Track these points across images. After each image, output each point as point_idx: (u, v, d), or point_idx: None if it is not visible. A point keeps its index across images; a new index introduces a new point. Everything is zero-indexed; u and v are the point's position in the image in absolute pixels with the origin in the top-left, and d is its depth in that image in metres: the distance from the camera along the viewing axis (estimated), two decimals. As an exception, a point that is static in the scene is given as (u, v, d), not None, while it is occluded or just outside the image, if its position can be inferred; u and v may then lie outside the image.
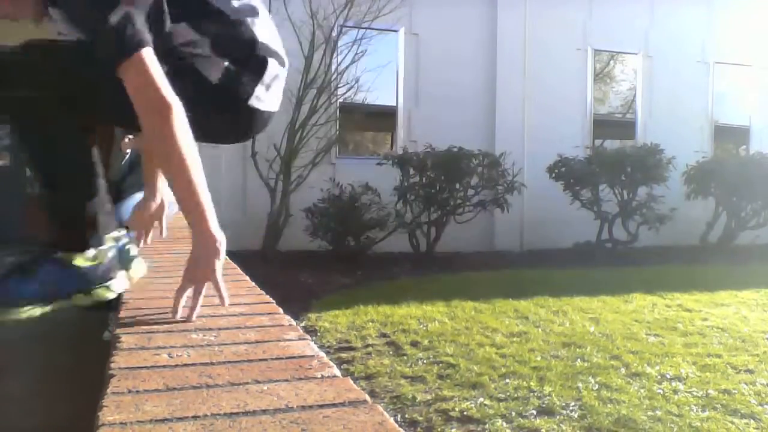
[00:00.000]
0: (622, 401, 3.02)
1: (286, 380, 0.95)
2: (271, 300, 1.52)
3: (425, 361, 3.61)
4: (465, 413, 2.86)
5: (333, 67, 7.29)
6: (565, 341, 4.05)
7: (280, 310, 1.41)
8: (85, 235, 1.38)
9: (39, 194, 1.47)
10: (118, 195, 3.95)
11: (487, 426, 2.74)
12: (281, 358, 1.06)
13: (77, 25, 1.28)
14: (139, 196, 3.98)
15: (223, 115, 1.48)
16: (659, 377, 3.39)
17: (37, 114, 1.31)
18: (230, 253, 2.44)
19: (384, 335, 4.16)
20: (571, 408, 2.94)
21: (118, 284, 1.44)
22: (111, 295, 1.45)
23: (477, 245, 8.30)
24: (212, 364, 1.02)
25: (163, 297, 1.56)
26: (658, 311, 5.03)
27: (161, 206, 2.26)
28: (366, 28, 7.22)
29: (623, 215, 8.13)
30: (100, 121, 1.63)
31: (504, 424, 2.76)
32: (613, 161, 8.00)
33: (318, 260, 6.96)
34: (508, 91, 8.80)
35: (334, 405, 0.86)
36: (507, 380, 3.29)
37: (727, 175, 8.40)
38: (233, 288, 1.68)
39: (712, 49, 9.77)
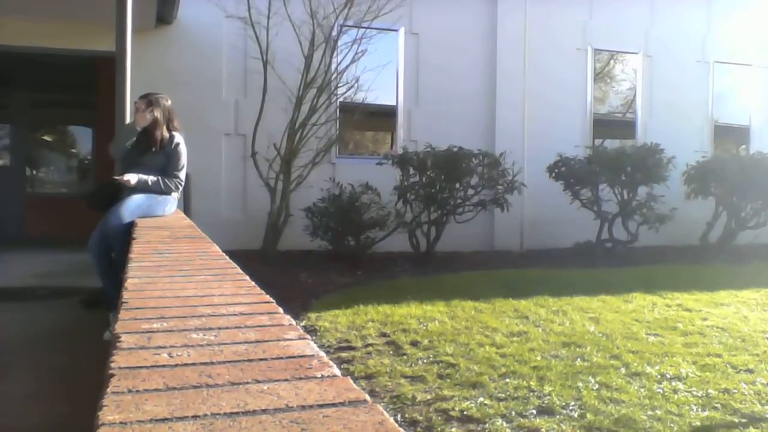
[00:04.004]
0: (622, 401, 3.02)
1: (286, 380, 0.95)
2: (271, 300, 1.52)
3: (425, 361, 3.61)
4: (465, 413, 2.86)
5: (333, 67, 7.28)
6: (565, 341, 4.06)
7: (280, 310, 1.41)
8: None
9: None
10: (118, 196, 3.96)
11: (487, 426, 2.74)
12: (281, 358, 1.06)
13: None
14: (137, 197, 4.01)
15: None
16: (659, 377, 3.39)
17: None
18: (230, 253, 2.44)
19: (384, 335, 4.16)
20: (571, 408, 2.94)
21: None
22: None
23: (477, 245, 8.29)
24: (212, 363, 1.02)
25: (163, 297, 1.56)
26: (658, 311, 5.03)
27: None
28: (366, 28, 7.21)
29: (623, 215, 8.13)
30: None
31: (504, 423, 2.76)
32: (613, 161, 7.99)
33: (318, 260, 6.96)
34: (508, 90, 8.79)
35: (334, 405, 0.86)
36: (507, 380, 3.29)
37: (727, 174, 8.39)
38: (233, 288, 1.68)
39: (712, 48, 9.77)
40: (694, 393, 3.17)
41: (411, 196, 7.30)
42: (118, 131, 4.40)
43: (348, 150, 8.86)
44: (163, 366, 1.01)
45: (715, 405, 3.02)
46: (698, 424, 2.80)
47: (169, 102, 4.22)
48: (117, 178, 3.99)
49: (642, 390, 3.18)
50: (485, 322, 4.53)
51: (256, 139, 6.93)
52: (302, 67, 6.94)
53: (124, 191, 4.02)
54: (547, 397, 3.05)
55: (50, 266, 6.55)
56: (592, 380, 3.30)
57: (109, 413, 0.81)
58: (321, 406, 0.85)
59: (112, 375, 0.96)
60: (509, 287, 5.73)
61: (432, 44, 8.52)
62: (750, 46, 9.86)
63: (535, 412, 2.89)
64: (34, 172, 9.98)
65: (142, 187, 3.96)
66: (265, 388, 0.92)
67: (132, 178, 3.93)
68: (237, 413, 0.82)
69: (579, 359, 3.67)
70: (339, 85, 7.42)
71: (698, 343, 4.09)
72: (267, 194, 6.97)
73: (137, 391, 0.90)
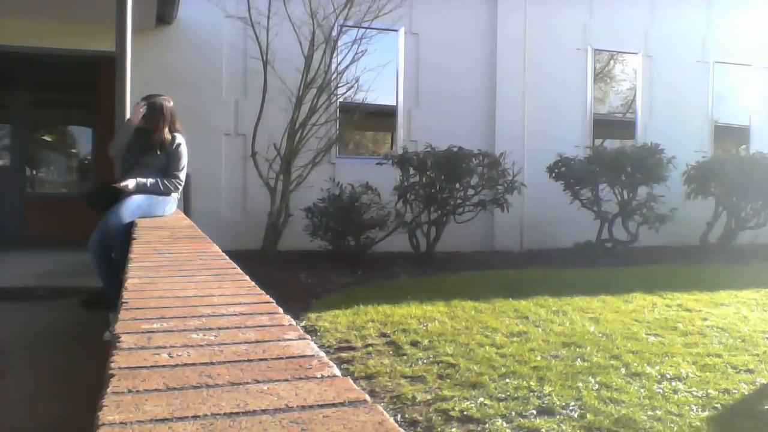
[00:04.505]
0: (622, 401, 3.02)
1: (286, 380, 0.95)
2: (271, 300, 1.52)
3: (425, 361, 3.61)
4: (465, 413, 2.86)
5: (333, 67, 7.28)
6: (565, 341, 4.05)
7: (280, 310, 1.41)
8: None
9: None
10: (118, 196, 3.96)
11: (487, 426, 2.74)
12: (281, 358, 1.06)
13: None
14: (137, 198, 4.01)
15: None
16: (659, 377, 3.39)
17: None
18: (230, 253, 2.44)
19: (384, 335, 4.16)
20: (571, 408, 2.94)
21: None
22: None
23: (477, 245, 8.29)
24: (212, 364, 1.02)
25: (163, 297, 1.56)
26: (658, 311, 5.03)
27: None
28: (366, 28, 7.21)
29: (623, 215, 8.13)
30: None
31: (504, 424, 2.76)
32: (613, 161, 7.99)
33: (318, 260, 6.96)
34: (508, 90, 8.79)
35: (334, 405, 0.86)
36: (507, 380, 3.29)
37: (727, 174, 8.39)
38: (233, 288, 1.68)
39: (712, 48, 9.77)
40: (694, 393, 3.16)
41: (411, 196, 7.30)
42: (118, 132, 4.40)
43: (348, 150, 8.86)
44: (163, 366, 1.01)
45: (715, 405, 3.02)
46: (698, 424, 2.80)
47: (171, 103, 4.22)
48: (115, 185, 3.99)
49: (642, 390, 3.18)
50: (485, 322, 4.53)
51: (256, 139, 6.93)
52: (302, 67, 6.94)
53: (124, 191, 4.02)
54: (547, 398, 3.05)
55: (50, 266, 6.55)
56: (592, 380, 3.30)
57: (109, 413, 0.81)
58: (321, 406, 0.85)
59: (112, 375, 0.96)
60: (509, 287, 5.72)
61: (432, 44, 8.52)
62: (750, 46, 9.86)
63: (535, 412, 2.89)
64: (34, 172, 9.98)
65: (141, 190, 3.97)
66: (265, 388, 0.92)
67: (130, 183, 3.94)
68: (237, 413, 0.82)
69: (579, 359, 3.67)
70: (339, 85, 7.42)
71: (698, 343, 4.09)
72: (267, 194, 6.97)
73: (137, 391, 0.90)
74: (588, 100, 9.35)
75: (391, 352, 3.79)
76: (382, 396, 3.07)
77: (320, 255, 7.11)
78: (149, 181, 4.00)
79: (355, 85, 7.45)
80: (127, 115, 4.46)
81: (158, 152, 4.10)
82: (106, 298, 3.92)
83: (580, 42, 9.22)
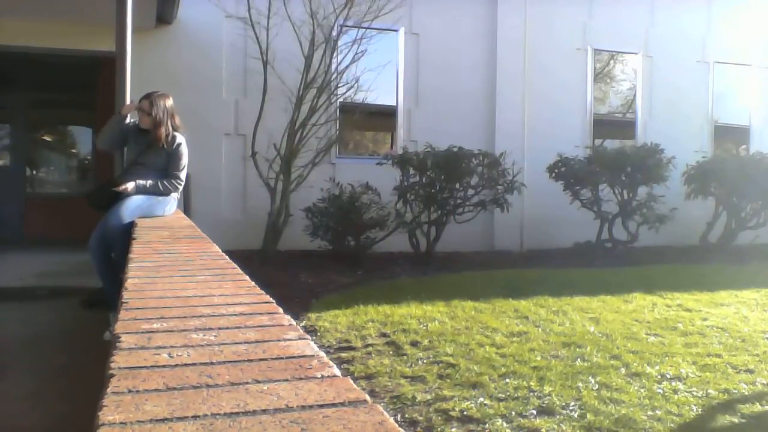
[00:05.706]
0: (622, 401, 3.02)
1: (286, 380, 0.95)
2: (271, 300, 1.52)
3: (425, 361, 3.61)
4: (465, 413, 2.86)
5: (333, 67, 7.28)
6: (565, 341, 4.05)
7: (280, 310, 1.41)
8: None
9: None
10: (119, 195, 3.96)
11: (487, 426, 2.74)
12: (281, 358, 1.06)
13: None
14: (137, 198, 4.01)
15: None
16: (659, 377, 3.39)
17: None
18: (230, 253, 2.44)
19: (384, 335, 4.16)
20: (571, 408, 2.94)
21: None
22: None
23: (477, 245, 8.29)
24: (212, 364, 1.02)
25: (163, 297, 1.56)
26: (658, 311, 5.03)
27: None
28: (366, 28, 7.21)
29: (623, 215, 8.13)
30: None
31: (504, 423, 2.76)
32: (613, 161, 7.99)
33: (318, 260, 6.96)
34: (508, 90, 8.79)
35: (334, 405, 0.86)
36: (507, 380, 3.29)
37: (727, 174, 8.39)
38: (233, 288, 1.68)
39: (712, 48, 9.77)
40: (694, 393, 3.16)
41: (411, 196, 7.30)
42: (108, 124, 4.36)
43: (348, 150, 8.86)
44: (163, 366, 1.01)
45: (715, 405, 3.02)
46: (698, 424, 2.80)
47: (171, 100, 4.22)
48: (115, 188, 4.00)
49: (642, 390, 3.18)
50: (485, 322, 4.53)
51: (256, 139, 6.93)
52: (302, 67, 6.94)
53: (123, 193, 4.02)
54: (547, 398, 3.05)
55: (50, 266, 6.55)
56: (592, 380, 3.30)
57: (109, 413, 0.81)
58: (321, 406, 0.85)
59: (112, 375, 0.96)
60: (509, 287, 5.72)
61: (432, 44, 8.52)
62: (750, 46, 9.86)
63: (535, 412, 2.89)
64: (34, 172, 9.98)
65: (141, 192, 3.97)
66: (265, 388, 0.92)
67: (130, 185, 3.94)
68: (237, 413, 0.82)
69: (579, 359, 3.67)
70: (339, 85, 7.42)
71: (698, 343, 4.09)
72: (267, 194, 6.97)
73: (137, 391, 0.90)
74: (588, 100, 9.35)
75: (391, 352, 3.79)
76: (382, 396, 3.07)
77: (320, 255, 7.11)
78: (149, 182, 4.00)
79: (355, 85, 7.45)
80: (128, 115, 4.46)
81: (162, 147, 4.10)
82: (106, 298, 3.92)
83: (580, 42, 9.22)
